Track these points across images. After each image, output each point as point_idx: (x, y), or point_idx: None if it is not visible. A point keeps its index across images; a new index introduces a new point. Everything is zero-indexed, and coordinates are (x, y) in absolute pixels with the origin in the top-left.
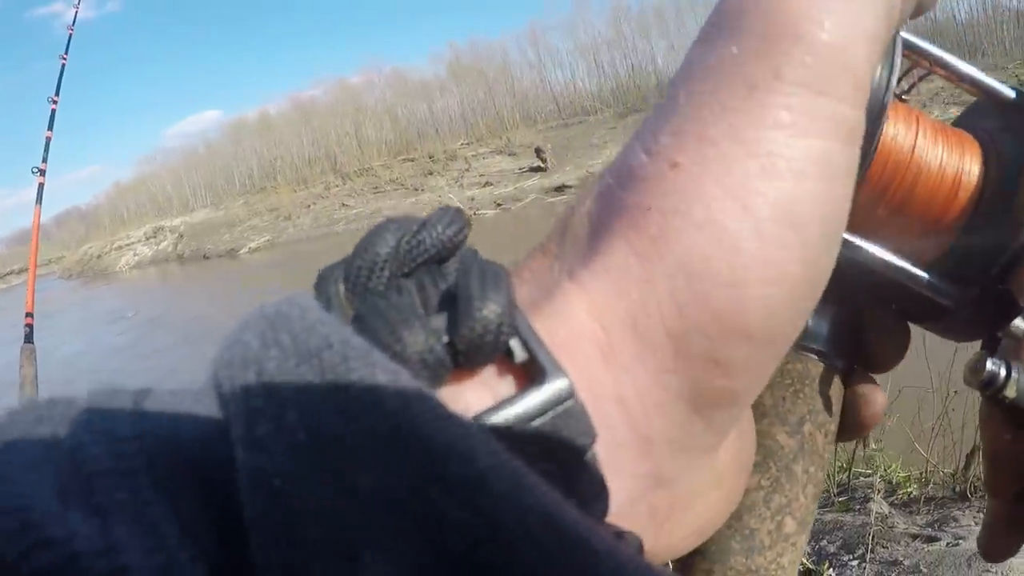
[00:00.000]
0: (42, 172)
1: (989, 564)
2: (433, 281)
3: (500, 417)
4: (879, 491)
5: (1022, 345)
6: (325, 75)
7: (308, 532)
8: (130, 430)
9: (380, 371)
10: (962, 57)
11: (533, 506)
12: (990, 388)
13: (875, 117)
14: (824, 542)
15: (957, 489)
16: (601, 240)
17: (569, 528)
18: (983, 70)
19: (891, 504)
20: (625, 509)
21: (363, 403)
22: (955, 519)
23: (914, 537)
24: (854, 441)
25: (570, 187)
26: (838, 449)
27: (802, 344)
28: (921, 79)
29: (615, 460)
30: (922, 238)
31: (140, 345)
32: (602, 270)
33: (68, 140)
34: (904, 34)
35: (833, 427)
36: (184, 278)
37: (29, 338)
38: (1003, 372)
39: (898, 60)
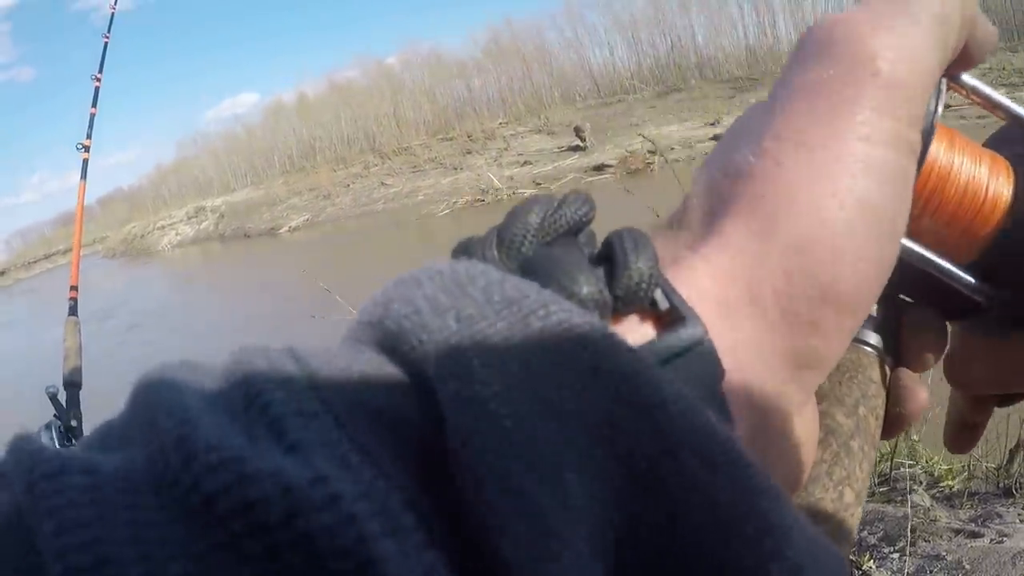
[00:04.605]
0: (86, 148)
1: None
2: (575, 247)
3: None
4: (921, 483)
5: None
6: (362, 56)
7: (523, 451)
8: (305, 379)
9: (575, 314)
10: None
11: (702, 425)
12: None
13: (925, 138)
14: (865, 533)
15: (1001, 485)
16: (718, 222)
17: (728, 443)
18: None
19: (933, 497)
20: None
21: (566, 340)
22: (999, 515)
23: (956, 532)
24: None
25: (609, 166)
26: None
27: (856, 337)
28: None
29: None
30: (959, 243)
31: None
32: (723, 244)
33: (110, 124)
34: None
35: (882, 412)
36: (219, 261)
37: (73, 311)
38: None
39: (944, 90)
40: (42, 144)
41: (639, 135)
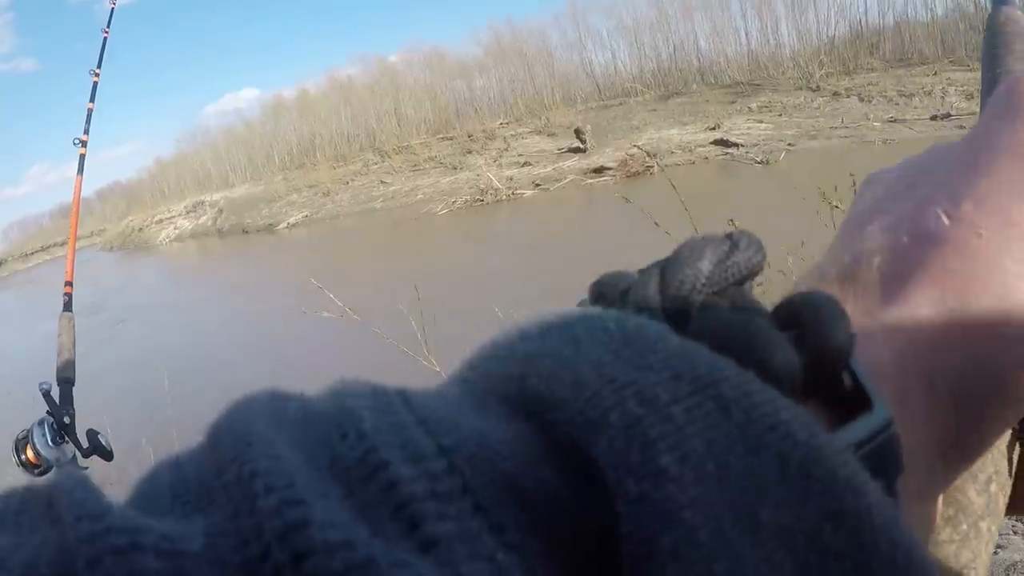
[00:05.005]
0: (83, 143)
1: None
2: (750, 303)
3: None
4: None
5: None
6: (364, 53)
7: (716, 567)
8: (433, 445)
9: (781, 405)
10: None
11: (899, 539)
12: None
13: None
14: None
15: None
16: (902, 291)
17: (923, 560)
18: None
19: None
20: None
21: (772, 437)
22: None
23: None
24: None
25: (609, 168)
26: None
27: None
28: None
29: None
30: None
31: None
32: (907, 318)
33: (110, 117)
34: None
35: (1009, 489)
36: (217, 256)
37: (68, 307)
38: None
39: None
40: (42, 136)
41: (633, 145)
